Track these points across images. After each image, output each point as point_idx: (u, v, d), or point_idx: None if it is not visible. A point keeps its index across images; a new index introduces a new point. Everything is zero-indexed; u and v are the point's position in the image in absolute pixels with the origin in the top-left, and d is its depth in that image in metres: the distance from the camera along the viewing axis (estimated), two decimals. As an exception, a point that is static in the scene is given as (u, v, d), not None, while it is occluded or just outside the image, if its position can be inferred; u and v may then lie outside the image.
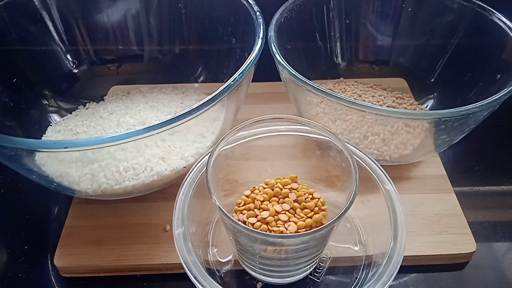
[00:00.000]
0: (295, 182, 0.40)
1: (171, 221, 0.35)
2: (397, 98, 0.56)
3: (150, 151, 0.42)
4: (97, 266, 0.41)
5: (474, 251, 0.42)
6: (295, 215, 0.37)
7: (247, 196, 0.38)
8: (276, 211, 0.36)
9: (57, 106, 0.54)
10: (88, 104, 0.55)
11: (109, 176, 0.41)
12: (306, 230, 0.34)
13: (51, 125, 0.51)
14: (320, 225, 0.34)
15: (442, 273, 0.42)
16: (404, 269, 0.35)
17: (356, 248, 0.41)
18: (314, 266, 0.39)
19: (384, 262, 0.33)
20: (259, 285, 0.39)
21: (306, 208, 0.37)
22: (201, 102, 0.35)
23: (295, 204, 0.37)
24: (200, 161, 0.39)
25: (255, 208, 0.37)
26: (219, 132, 0.45)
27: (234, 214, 0.39)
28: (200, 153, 0.43)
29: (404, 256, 0.33)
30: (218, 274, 0.39)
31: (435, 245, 0.42)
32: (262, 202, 0.37)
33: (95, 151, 0.38)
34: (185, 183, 0.37)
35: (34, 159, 0.38)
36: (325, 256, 0.40)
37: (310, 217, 0.36)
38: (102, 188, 0.40)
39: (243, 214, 0.37)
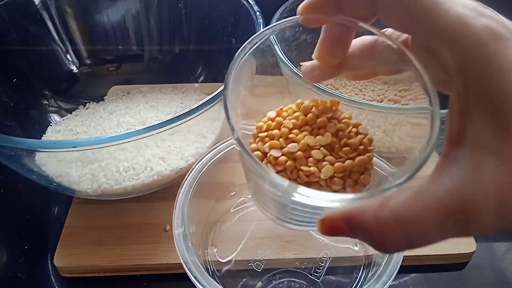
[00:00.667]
0: (337, 109, 0.28)
1: (171, 221, 0.35)
2: (399, 91, 0.55)
3: (150, 151, 0.42)
4: (97, 266, 0.41)
5: (474, 251, 0.42)
6: (333, 153, 0.27)
7: (272, 120, 0.28)
8: (308, 145, 0.26)
9: (57, 106, 0.54)
10: (88, 104, 0.55)
11: (109, 176, 0.41)
12: (344, 175, 0.26)
13: (51, 125, 0.51)
14: (364, 171, 0.27)
15: (442, 273, 0.42)
16: (404, 269, 0.35)
17: (356, 248, 0.41)
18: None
19: (384, 262, 0.33)
20: (259, 285, 0.39)
21: (348, 146, 0.27)
22: (201, 102, 0.35)
23: (334, 139, 0.27)
24: (200, 161, 0.39)
25: (280, 137, 0.27)
26: (219, 132, 0.45)
27: (251, 141, 0.28)
28: (200, 153, 0.43)
29: (404, 256, 0.33)
30: (218, 274, 0.39)
31: (435, 245, 0.42)
32: (290, 130, 0.27)
33: (95, 151, 0.38)
34: (185, 183, 0.37)
35: (34, 159, 0.38)
36: (325, 256, 0.40)
37: (352, 158, 0.26)
38: (102, 188, 0.40)
39: (264, 144, 0.27)
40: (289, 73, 0.43)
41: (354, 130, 0.28)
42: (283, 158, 0.26)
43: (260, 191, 0.27)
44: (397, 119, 0.43)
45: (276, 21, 0.49)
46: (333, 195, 0.21)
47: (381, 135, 0.45)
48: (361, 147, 0.27)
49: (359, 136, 0.27)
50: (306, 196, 0.21)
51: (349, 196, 0.21)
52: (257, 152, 0.27)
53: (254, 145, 0.27)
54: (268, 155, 0.26)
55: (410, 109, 0.29)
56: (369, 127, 0.44)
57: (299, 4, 0.24)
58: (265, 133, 0.27)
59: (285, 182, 0.21)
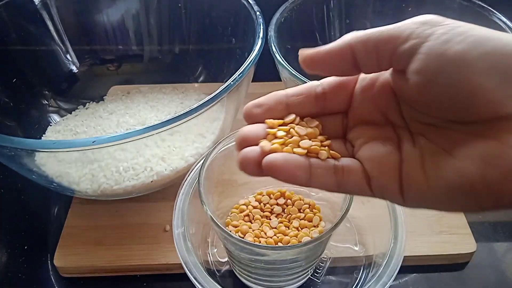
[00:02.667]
0: (283, 197, 0.40)
1: (171, 221, 0.35)
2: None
3: (150, 151, 0.42)
4: (97, 266, 0.41)
5: (474, 251, 0.42)
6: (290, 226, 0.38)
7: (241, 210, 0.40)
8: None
9: (57, 106, 0.54)
10: (88, 104, 0.55)
11: (109, 176, 0.41)
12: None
13: (51, 125, 0.51)
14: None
15: (443, 273, 0.42)
16: (405, 269, 0.35)
17: (356, 248, 0.41)
18: (308, 276, 0.39)
19: (384, 262, 0.33)
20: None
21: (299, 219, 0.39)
22: (201, 102, 0.35)
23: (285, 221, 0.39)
24: (200, 161, 0.39)
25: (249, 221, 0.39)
26: (219, 132, 0.45)
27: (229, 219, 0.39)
28: (200, 153, 0.43)
29: (404, 256, 0.33)
30: (218, 274, 0.39)
31: (435, 245, 0.42)
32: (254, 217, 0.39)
33: (95, 151, 0.38)
34: (185, 183, 0.37)
35: (34, 159, 0.38)
36: (325, 256, 0.40)
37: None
38: (102, 188, 0.40)
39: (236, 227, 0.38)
40: (287, 76, 0.43)
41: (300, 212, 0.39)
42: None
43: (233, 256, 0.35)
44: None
45: (276, 21, 0.49)
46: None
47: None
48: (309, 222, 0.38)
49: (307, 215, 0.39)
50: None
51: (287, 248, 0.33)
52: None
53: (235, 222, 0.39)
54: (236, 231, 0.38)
55: None
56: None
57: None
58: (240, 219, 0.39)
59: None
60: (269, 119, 0.23)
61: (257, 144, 0.22)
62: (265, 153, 0.21)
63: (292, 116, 0.24)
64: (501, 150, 0.18)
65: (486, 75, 0.18)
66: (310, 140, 0.23)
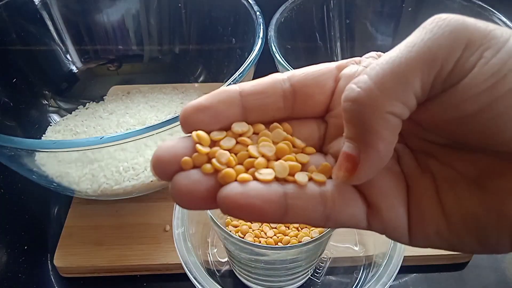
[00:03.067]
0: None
1: (171, 221, 0.35)
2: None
3: (150, 151, 0.42)
4: (97, 266, 0.41)
5: (474, 251, 0.42)
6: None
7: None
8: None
9: (57, 106, 0.54)
10: (88, 104, 0.55)
11: (109, 176, 0.41)
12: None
13: (51, 125, 0.51)
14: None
15: (443, 273, 0.42)
16: (404, 269, 0.35)
17: (356, 248, 0.41)
18: (308, 276, 0.39)
19: (384, 262, 0.33)
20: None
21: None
22: (201, 102, 0.35)
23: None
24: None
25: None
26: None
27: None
28: (200, 153, 0.43)
29: (404, 256, 0.33)
30: (218, 274, 0.39)
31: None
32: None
33: (95, 151, 0.38)
34: (185, 183, 0.37)
35: (34, 159, 0.38)
36: (325, 256, 0.40)
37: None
38: (102, 188, 0.40)
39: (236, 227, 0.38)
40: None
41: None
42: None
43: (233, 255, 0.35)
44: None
45: (276, 21, 0.49)
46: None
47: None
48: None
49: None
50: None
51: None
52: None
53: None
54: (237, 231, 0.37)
55: None
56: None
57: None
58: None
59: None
60: (216, 129, 0.17)
61: (191, 167, 0.16)
62: (220, 181, 0.15)
63: (245, 128, 0.17)
64: None
65: None
66: (278, 159, 0.16)
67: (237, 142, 0.17)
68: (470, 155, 0.16)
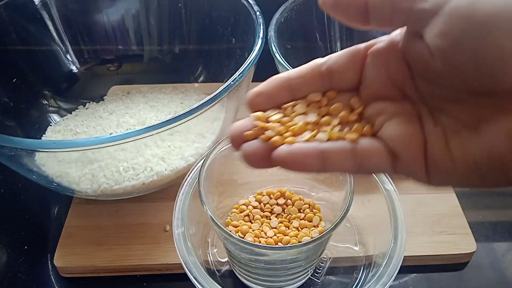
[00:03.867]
0: (283, 197, 0.41)
1: (171, 221, 0.35)
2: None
3: (150, 151, 0.42)
4: (97, 266, 0.41)
5: (474, 251, 0.42)
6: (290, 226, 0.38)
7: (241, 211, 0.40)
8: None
9: (57, 106, 0.54)
10: (88, 104, 0.55)
11: (109, 176, 0.41)
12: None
13: (51, 125, 0.51)
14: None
15: (443, 273, 0.42)
16: (405, 269, 0.35)
17: (356, 248, 0.41)
18: (308, 276, 0.39)
19: (384, 262, 0.33)
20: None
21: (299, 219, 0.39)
22: (201, 102, 0.35)
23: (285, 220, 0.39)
24: (200, 161, 0.39)
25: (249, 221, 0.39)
26: (219, 132, 0.45)
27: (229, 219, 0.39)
28: (200, 153, 0.43)
29: (404, 256, 0.33)
30: (218, 274, 0.39)
31: (435, 245, 0.42)
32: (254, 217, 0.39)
33: (95, 151, 0.38)
34: (185, 183, 0.37)
35: (34, 159, 0.38)
36: (325, 256, 0.40)
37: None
38: (102, 188, 0.40)
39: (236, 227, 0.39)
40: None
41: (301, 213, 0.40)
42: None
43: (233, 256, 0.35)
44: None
45: (276, 21, 0.49)
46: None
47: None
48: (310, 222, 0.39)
49: (307, 215, 0.39)
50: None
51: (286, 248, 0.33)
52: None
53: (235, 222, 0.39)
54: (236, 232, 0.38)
55: None
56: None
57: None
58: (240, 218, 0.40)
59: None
60: (272, 107, 0.22)
61: (255, 138, 0.21)
62: (271, 146, 0.20)
63: (317, 97, 0.22)
64: None
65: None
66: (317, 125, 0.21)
67: (285, 115, 0.22)
68: (469, 107, 0.19)
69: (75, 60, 0.56)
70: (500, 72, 0.17)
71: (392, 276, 0.32)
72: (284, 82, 0.22)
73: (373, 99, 0.22)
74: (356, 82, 0.22)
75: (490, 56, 0.17)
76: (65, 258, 0.41)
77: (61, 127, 0.50)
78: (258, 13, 0.46)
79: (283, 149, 0.20)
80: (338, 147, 0.20)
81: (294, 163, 0.20)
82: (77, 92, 0.56)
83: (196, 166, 0.38)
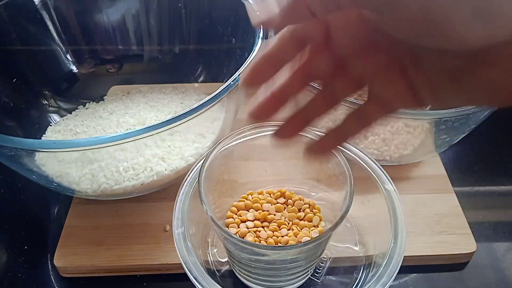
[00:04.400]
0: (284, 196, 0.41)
1: (171, 221, 0.35)
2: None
3: (150, 151, 0.42)
4: (97, 266, 0.41)
5: (474, 251, 0.42)
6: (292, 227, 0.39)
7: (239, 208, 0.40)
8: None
9: (57, 106, 0.54)
10: (88, 104, 0.55)
11: (109, 176, 0.41)
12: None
13: (51, 125, 0.51)
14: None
15: (443, 273, 0.42)
16: (405, 269, 0.35)
17: (356, 248, 0.41)
18: (308, 276, 0.39)
19: (384, 262, 0.33)
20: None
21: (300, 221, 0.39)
22: (201, 102, 0.35)
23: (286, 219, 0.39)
24: (200, 161, 0.39)
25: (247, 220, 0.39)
26: (219, 132, 0.45)
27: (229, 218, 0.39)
28: (200, 153, 0.43)
29: (404, 256, 0.33)
30: (218, 274, 0.39)
31: (435, 245, 0.42)
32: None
33: (95, 151, 0.38)
34: (185, 183, 0.37)
35: (34, 159, 0.38)
36: (325, 256, 0.40)
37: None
38: (102, 188, 0.40)
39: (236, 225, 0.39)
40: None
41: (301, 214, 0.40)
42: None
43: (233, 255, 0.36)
44: (396, 127, 0.43)
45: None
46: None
47: (380, 144, 0.45)
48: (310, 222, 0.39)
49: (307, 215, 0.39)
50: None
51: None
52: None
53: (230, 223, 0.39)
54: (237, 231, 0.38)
55: (407, 114, 0.39)
56: (369, 134, 0.45)
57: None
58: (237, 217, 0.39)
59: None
60: (266, 79, 0.24)
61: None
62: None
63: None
64: (503, 76, 0.18)
65: (453, 8, 0.16)
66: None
67: None
68: (438, 60, 0.20)
69: (75, 60, 0.56)
70: (441, 36, 0.18)
71: (392, 276, 0.32)
72: (267, 57, 0.24)
73: (351, 54, 0.23)
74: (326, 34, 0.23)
75: (427, 21, 0.17)
76: (65, 258, 0.41)
77: (61, 127, 0.50)
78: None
79: None
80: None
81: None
82: (77, 92, 0.56)
83: (196, 166, 0.38)
